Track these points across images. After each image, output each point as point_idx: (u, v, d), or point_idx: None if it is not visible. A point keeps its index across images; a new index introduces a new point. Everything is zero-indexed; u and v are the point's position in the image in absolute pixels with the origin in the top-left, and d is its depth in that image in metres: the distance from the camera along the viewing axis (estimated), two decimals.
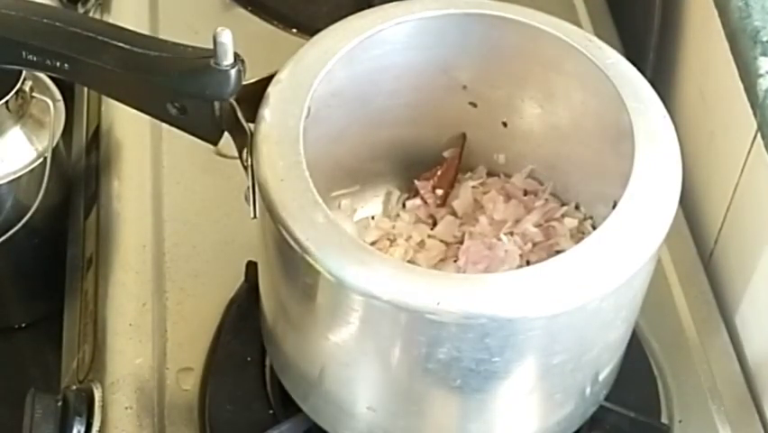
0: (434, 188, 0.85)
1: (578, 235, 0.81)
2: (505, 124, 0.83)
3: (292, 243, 0.66)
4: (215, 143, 0.74)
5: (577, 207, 0.83)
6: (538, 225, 0.82)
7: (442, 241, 0.83)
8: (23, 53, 0.73)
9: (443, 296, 0.64)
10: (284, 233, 0.66)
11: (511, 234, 0.81)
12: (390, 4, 0.77)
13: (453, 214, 0.84)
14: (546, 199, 0.83)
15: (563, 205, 0.83)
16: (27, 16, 0.72)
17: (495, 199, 0.83)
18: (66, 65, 0.73)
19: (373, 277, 0.64)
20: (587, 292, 0.65)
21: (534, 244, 0.81)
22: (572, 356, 0.70)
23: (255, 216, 0.71)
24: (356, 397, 0.74)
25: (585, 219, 0.82)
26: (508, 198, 0.84)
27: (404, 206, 0.86)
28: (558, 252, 0.79)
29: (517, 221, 0.82)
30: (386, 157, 0.85)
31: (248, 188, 0.70)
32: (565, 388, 0.74)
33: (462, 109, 0.82)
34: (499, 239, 0.80)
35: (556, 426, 0.76)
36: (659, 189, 0.69)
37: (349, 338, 0.69)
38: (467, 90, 0.81)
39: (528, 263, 0.80)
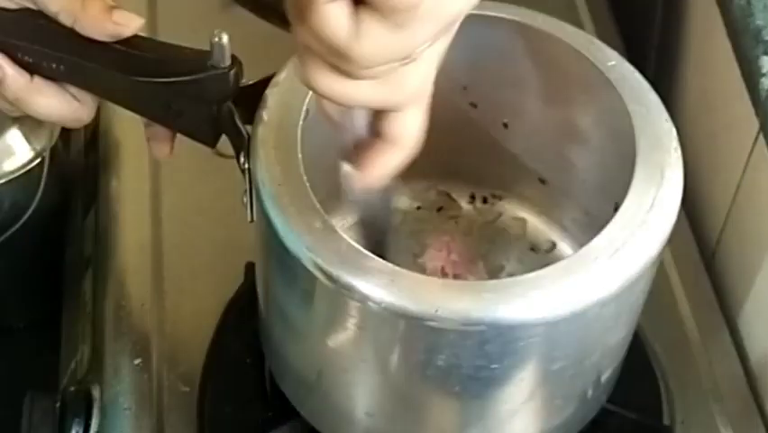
0: None
1: None
2: (506, 125, 0.83)
3: (290, 248, 0.65)
4: (213, 146, 0.74)
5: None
6: None
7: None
8: (19, 55, 0.72)
9: (442, 303, 0.63)
10: (282, 238, 0.65)
11: None
12: None
13: None
14: None
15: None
16: (23, 17, 0.72)
17: None
18: (62, 67, 0.72)
19: (371, 283, 0.63)
20: (587, 298, 0.65)
21: None
22: (573, 362, 0.69)
23: (253, 220, 0.71)
24: (354, 402, 0.74)
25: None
26: None
27: None
28: None
29: None
30: None
31: (245, 191, 0.70)
32: (565, 393, 0.73)
33: (462, 110, 0.82)
34: None
35: (556, 430, 0.76)
36: (661, 193, 0.68)
37: (347, 344, 0.69)
38: (467, 91, 0.81)
39: None
